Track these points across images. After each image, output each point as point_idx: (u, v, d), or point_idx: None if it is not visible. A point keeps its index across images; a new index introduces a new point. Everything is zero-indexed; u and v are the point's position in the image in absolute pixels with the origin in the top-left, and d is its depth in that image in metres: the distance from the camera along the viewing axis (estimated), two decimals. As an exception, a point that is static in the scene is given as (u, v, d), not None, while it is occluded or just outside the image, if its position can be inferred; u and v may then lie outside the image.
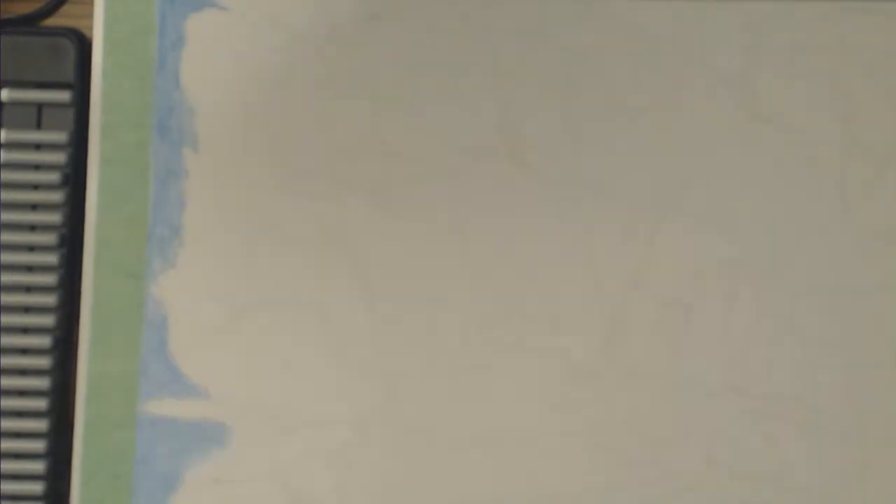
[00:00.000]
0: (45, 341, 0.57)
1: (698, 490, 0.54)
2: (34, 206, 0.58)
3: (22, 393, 0.57)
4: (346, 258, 0.56)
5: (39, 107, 0.58)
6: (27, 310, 0.57)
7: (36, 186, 0.58)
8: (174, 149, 0.57)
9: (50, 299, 0.57)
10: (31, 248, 0.57)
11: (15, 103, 0.58)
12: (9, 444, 0.56)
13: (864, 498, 0.53)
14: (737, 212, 0.56)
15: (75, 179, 0.58)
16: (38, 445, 0.56)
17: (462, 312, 0.56)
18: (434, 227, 0.56)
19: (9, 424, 0.56)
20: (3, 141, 0.58)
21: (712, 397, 0.55)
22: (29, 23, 0.58)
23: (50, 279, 0.57)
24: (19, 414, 0.56)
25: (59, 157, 0.58)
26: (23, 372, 0.57)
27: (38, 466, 0.56)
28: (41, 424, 0.56)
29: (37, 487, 0.56)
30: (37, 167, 0.58)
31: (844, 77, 0.56)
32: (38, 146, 0.58)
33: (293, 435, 0.55)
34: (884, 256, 0.55)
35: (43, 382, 0.57)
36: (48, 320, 0.57)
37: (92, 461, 0.56)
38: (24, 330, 0.57)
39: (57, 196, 0.57)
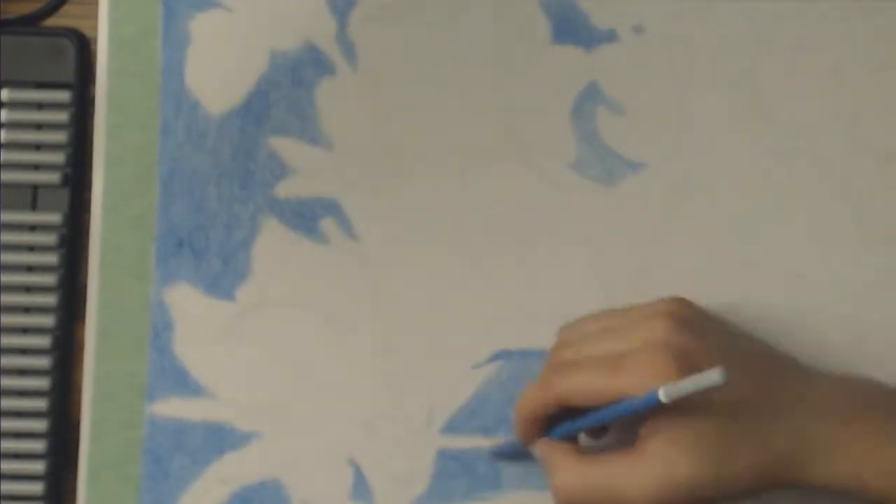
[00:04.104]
0: (45, 341, 0.57)
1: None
2: (34, 207, 0.57)
3: (22, 393, 0.56)
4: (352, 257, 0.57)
5: (39, 107, 0.58)
6: (27, 310, 0.57)
7: (36, 187, 0.57)
8: (179, 149, 0.57)
9: (50, 299, 0.57)
10: (31, 248, 0.57)
11: (15, 103, 0.58)
12: (9, 444, 0.56)
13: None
14: (741, 210, 0.56)
15: (75, 179, 0.58)
16: (38, 445, 0.56)
17: (467, 309, 0.56)
18: (438, 226, 0.57)
19: (9, 424, 0.56)
20: (3, 141, 0.57)
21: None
22: (29, 23, 0.58)
23: (50, 279, 0.57)
24: (19, 414, 0.56)
25: (59, 158, 0.57)
26: (23, 372, 0.57)
27: (38, 466, 0.56)
28: (41, 424, 0.56)
29: (37, 487, 0.56)
30: (37, 167, 0.58)
31: (849, 75, 0.57)
32: (38, 146, 0.58)
33: (300, 435, 0.56)
34: (889, 256, 0.56)
35: (43, 382, 0.56)
36: (48, 320, 0.57)
37: (99, 462, 0.56)
38: (24, 330, 0.57)
39: (57, 196, 0.57)
